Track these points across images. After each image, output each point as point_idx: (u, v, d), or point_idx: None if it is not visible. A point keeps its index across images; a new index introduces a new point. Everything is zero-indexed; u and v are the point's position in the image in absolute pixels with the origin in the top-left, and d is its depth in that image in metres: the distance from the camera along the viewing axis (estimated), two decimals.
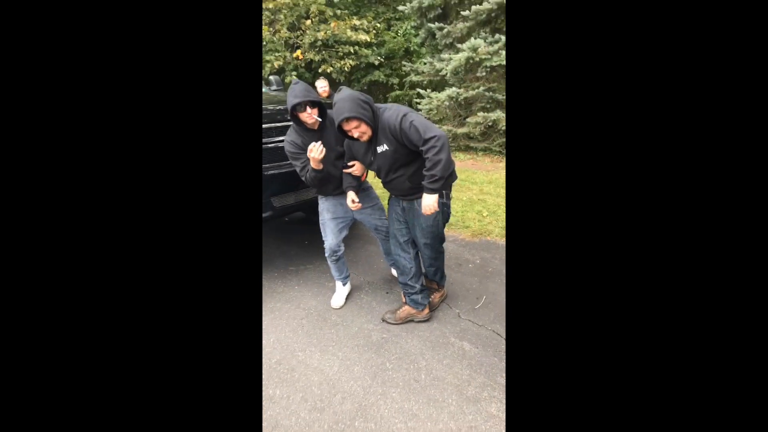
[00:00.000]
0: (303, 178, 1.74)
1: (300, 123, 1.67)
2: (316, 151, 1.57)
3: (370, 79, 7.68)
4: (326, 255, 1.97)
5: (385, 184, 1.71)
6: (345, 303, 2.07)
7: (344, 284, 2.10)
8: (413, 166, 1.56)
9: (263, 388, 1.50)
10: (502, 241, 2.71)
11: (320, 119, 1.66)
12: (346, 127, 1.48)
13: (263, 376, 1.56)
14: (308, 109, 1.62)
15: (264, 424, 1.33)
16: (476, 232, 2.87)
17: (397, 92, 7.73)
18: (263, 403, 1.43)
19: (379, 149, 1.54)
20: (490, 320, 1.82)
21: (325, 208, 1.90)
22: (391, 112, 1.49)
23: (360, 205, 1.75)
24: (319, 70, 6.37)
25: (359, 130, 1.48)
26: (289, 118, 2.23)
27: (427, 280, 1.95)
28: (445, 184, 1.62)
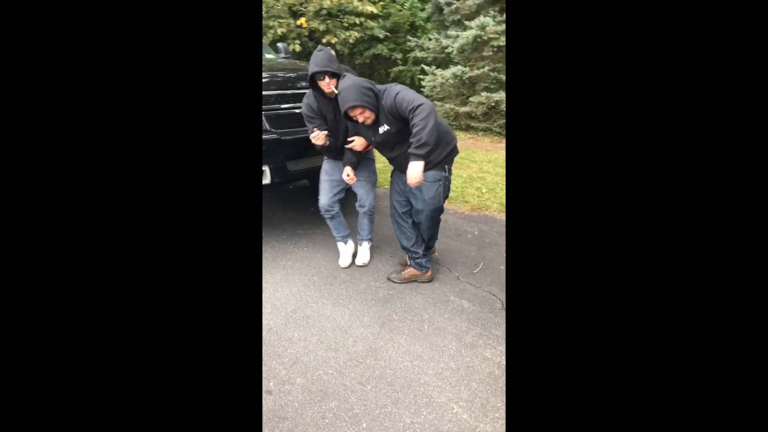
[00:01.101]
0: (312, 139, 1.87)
1: (318, 89, 1.77)
2: (318, 139, 1.79)
3: (373, 53, 7.58)
4: (321, 213, 2.11)
5: (390, 161, 1.86)
6: (352, 262, 2.21)
7: (345, 243, 2.21)
8: None
9: (283, 331, 1.66)
10: (500, 216, 2.87)
11: (336, 91, 1.73)
12: (352, 113, 1.62)
13: (280, 322, 1.72)
14: (327, 79, 1.71)
15: (285, 360, 1.50)
16: (475, 206, 3.02)
17: (400, 67, 7.66)
18: (284, 343, 1.59)
19: (381, 129, 1.67)
20: (487, 283, 2.00)
21: (325, 169, 2.05)
22: (387, 93, 1.62)
23: (354, 179, 1.89)
24: (323, 41, 6.29)
25: (364, 116, 1.62)
26: (300, 85, 2.33)
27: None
28: (447, 158, 1.74)
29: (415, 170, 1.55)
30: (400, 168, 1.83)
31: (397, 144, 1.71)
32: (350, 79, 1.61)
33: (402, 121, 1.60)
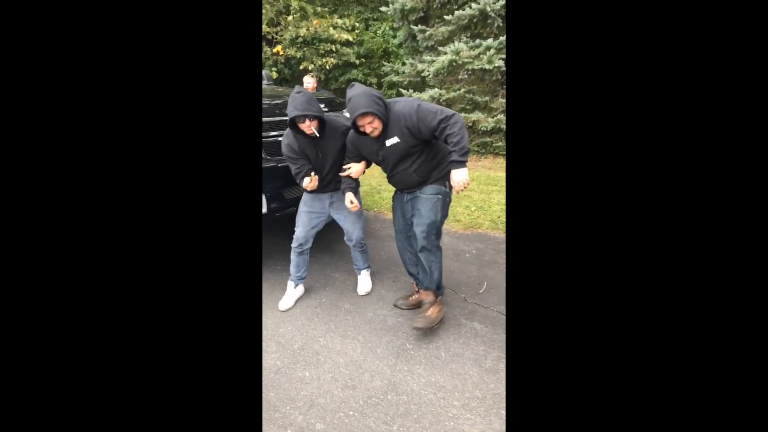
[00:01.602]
0: (297, 180, 1.81)
1: (298, 130, 1.72)
2: (310, 184, 1.75)
3: (348, 78, 7.72)
4: (292, 245, 2.01)
5: (391, 178, 1.77)
6: (292, 306, 2.03)
7: (296, 286, 2.07)
8: (421, 158, 1.64)
9: (292, 371, 1.55)
10: (493, 233, 2.89)
11: (318, 135, 1.69)
12: (360, 122, 1.54)
13: (288, 361, 1.61)
14: (307, 122, 1.65)
15: (300, 404, 1.39)
16: (467, 225, 3.04)
17: None
18: (295, 384, 1.48)
19: (389, 142, 1.60)
20: (495, 303, 1.98)
21: (304, 200, 1.98)
22: (403, 104, 1.55)
23: (358, 205, 1.82)
24: (300, 68, 6.34)
25: (372, 126, 1.54)
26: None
27: (425, 291, 1.79)
28: (449, 174, 1.72)
29: (463, 175, 1.52)
30: (402, 185, 1.76)
31: (402, 160, 1.65)
32: (360, 87, 1.54)
33: (415, 136, 1.55)
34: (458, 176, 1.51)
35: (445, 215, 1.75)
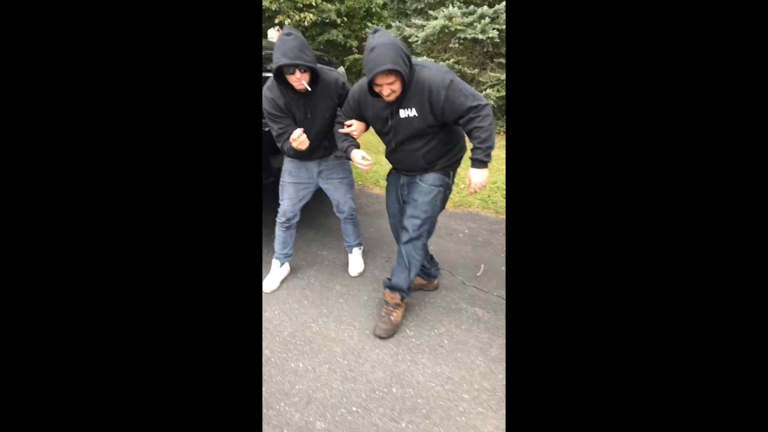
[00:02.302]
0: (278, 145, 1.54)
1: (285, 83, 1.44)
2: (300, 142, 1.45)
3: (326, 38, 7.17)
4: (277, 219, 1.80)
5: (392, 154, 1.53)
6: (278, 288, 1.86)
7: (281, 264, 1.88)
8: (432, 142, 1.41)
9: (284, 362, 1.40)
10: (484, 213, 2.82)
11: (309, 88, 1.42)
12: (380, 81, 1.23)
13: (278, 350, 1.46)
14: (298, 74, 1.37)
15: (295, 399, 1.26)
16: (458, 203, 2.94)
17: (356, 56, 7.36)
18: (288, 377, 1.34)
19: (403, 113, 1.34)
20: (494, 287, 1.91)
21: (288, 170, 1.73)
22: (434, 72, 1.29)
23: (371, 162, 1.54)
24: (276, 21, 5.77)
25: (392, 88, 1.25)
26: (269, 67, 1.95)
27: (392, 293, 1.58)
28: (455, 164, 1.52)
29: (484, 177, 1.37)
30: (402, 166, 1.54)
31: (412, 138, 1.40)
32: (387, 35, 1.22)
33: (435, 115, 1.31)
34: (478, 177, 1.35)
35: (442, 209, 1.58)
